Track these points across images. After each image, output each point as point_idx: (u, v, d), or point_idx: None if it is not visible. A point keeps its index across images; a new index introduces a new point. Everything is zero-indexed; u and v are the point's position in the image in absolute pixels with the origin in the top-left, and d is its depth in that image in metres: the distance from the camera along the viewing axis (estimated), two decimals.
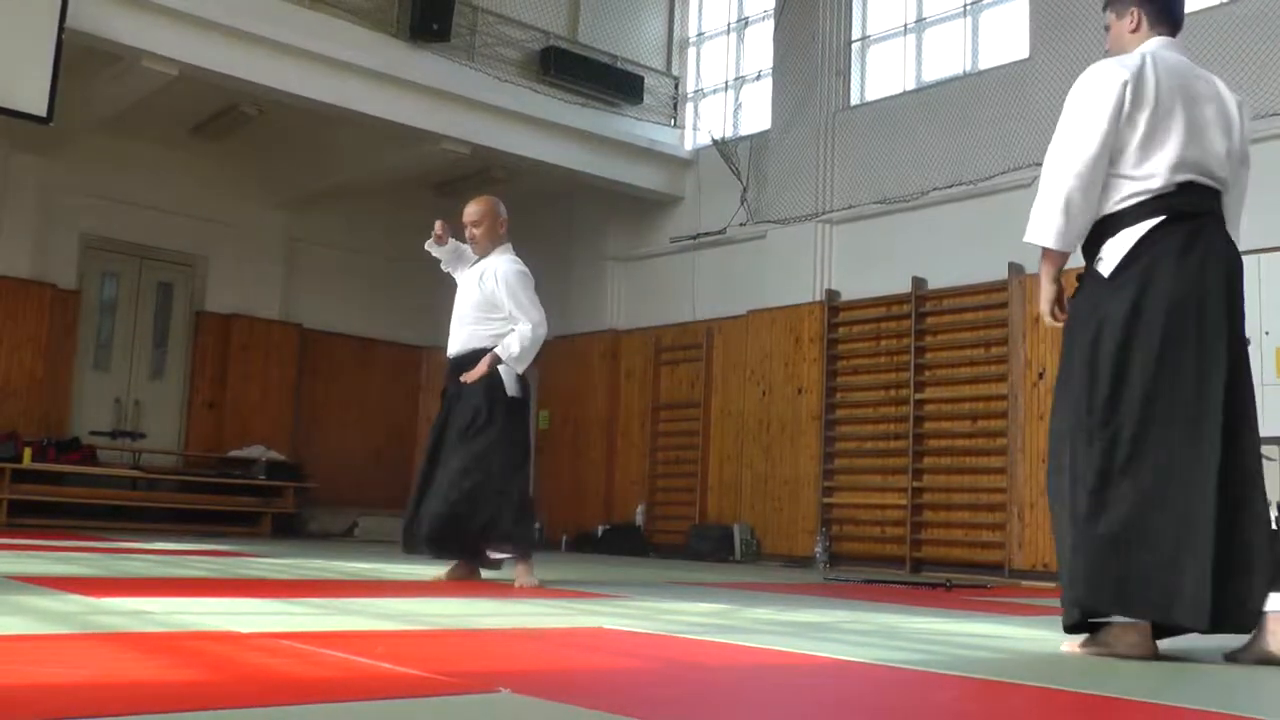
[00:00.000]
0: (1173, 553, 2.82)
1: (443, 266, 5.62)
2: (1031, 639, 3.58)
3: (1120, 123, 3.03)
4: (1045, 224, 3.07)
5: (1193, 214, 3.03)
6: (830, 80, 10.82)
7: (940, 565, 9.22)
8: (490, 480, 5.09)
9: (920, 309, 9.81)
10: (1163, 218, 3.02)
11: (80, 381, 11.46)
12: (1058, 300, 3.20)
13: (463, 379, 5.21)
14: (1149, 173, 3.03)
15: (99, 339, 11.74)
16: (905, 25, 10.61)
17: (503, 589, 4.85)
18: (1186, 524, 2.83)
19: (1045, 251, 3.13)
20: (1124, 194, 3.05)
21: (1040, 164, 10.35)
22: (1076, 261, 3.18)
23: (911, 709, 2.14)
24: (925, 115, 9.99)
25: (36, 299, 10.98)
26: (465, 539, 5.13)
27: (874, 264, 10.19)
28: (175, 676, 2.10)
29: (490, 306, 5.27)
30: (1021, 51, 9.51)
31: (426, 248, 5.56)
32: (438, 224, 5.48)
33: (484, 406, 5.15)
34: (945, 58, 10.32)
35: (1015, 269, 9.07)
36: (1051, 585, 8.09)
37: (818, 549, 9.95)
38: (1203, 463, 2.85)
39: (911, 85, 10.46)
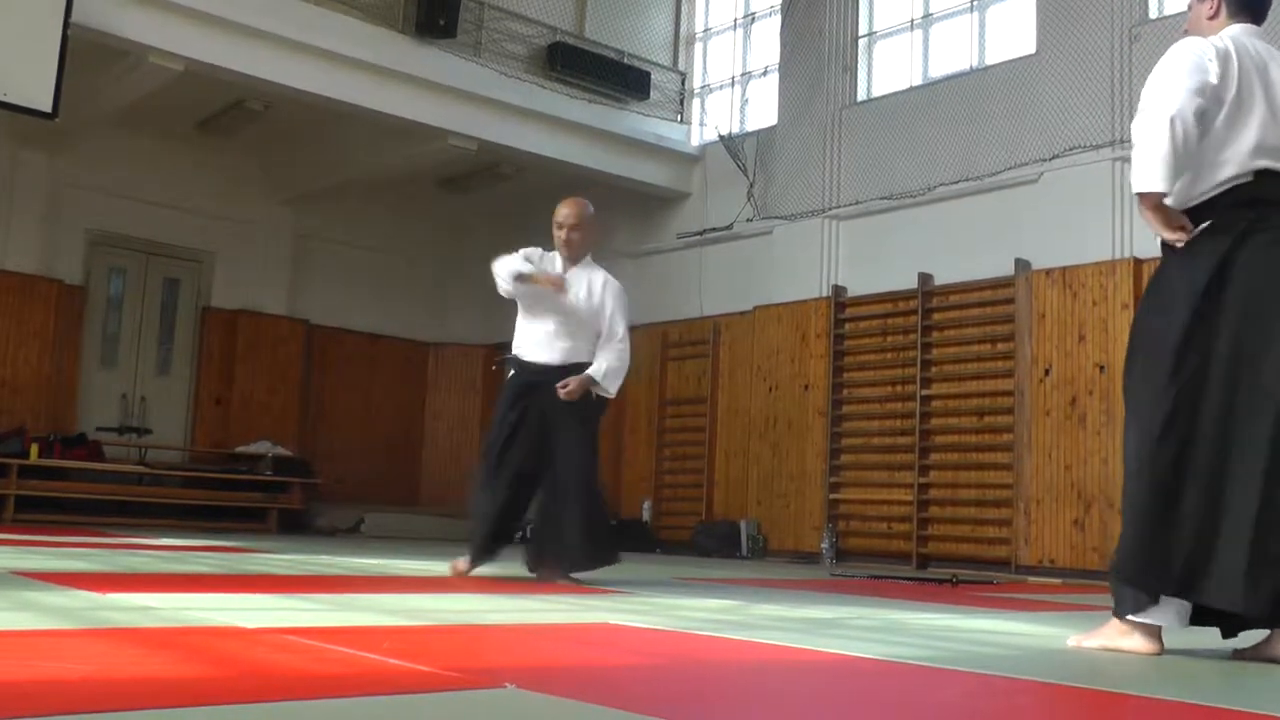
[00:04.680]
0: (1214, 536, 2.77)
1: (508, 291, 5.14)
2: (1037, 635, 3.57)
3: (1212, 89, 2.91)
4: (1152, 168, 2.87)
5: (1268, 201, 2.95)
6: (837, 76, 10.80)
7: (946, 561, 9.22)
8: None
9: (927, 305, 9.80)
10: (1236, 206, 2.94)
11: (87, 377, 11.48)
12: (1166, 222, 2.94)
13: (564, 394, 4.98)
14: (1225, 159, 2.94)
15: (105, 335, 11.75)
16: (912, 21, 10.58)
17: (508, 585, 4.85)
18: (1232, 509, 2.77)
19: (1144, 195, 2.93)
20: (1202, 184, 2.96)
21: (1046, 159, 10.22)
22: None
23: (918, 705, 2.13)
24: (932, 111, 9.97)
25: (43, 295, 10.99)
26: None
27: (880, 260, 10.17)
28: (181, 672, 2.10)
29: (593, 318, 5.13)
30: (1028, 47, 9.49)
31: (519, 277, 5.05)
32: (557, 279, 5.10)
33: (589, 423, 5.15)
34: (952, 54, 10.29)
35: (1022, 265, 9.06)
36: (1057, 581, 8.10)
37: (824, 545, 9.95)
38: (1256, 450, 2.79)
39: (918, 81, 10.43)
